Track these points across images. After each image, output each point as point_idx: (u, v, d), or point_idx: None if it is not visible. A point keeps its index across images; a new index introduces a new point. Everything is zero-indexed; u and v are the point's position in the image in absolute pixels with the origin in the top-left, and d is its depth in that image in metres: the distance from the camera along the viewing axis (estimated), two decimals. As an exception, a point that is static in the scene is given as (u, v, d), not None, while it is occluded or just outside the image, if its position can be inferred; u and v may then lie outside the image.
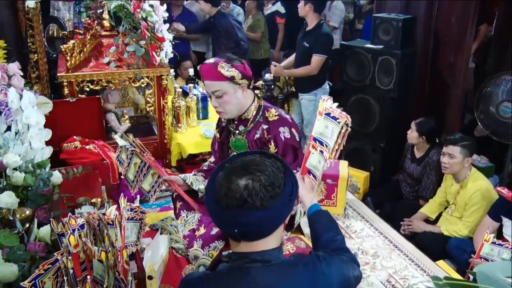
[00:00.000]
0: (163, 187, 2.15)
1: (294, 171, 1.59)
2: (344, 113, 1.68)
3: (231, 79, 1.97)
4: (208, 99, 2.14)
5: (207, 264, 1.90)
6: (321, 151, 1.64)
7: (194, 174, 2.23)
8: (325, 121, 1.67)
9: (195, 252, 1.96)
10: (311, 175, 1.64)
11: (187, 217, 2.12)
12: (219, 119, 2.28)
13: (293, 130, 2.05)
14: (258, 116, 2.08)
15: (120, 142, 2.15)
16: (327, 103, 1.70)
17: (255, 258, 1.21)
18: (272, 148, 2.04)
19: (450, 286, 0.73)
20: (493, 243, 2.16)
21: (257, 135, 2.08)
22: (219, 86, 1.98)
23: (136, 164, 2.13)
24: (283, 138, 2.02)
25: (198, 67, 2.09)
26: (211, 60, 2.02)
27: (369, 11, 6.20)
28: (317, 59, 4.09)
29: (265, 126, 2.06)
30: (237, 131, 2.13)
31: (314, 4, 4.10)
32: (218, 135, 2.28)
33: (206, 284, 1.25)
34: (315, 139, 1.66)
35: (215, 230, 1.98)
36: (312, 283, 1.23)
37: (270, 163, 1.21)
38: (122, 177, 2.22)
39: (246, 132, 2.10)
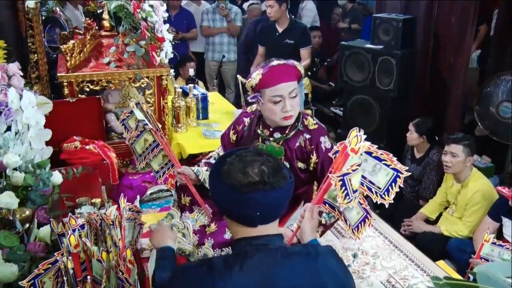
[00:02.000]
0: (172, 172, 2.08)
1: (305, 206, 1.62)
2: (390, 155, 1.51)
3: (301, 77, 1.97)
4: (271, 106, 1.91)
5: None
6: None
7: (207, 170, 2.13)
8: (367, 160, 1.51)
9: (206, 251, 1.96)
10: (327, 205, 1.59)
11: (199, 212, 2.10)
12: (239, 120, 2.17)
13: (330, 139, 2.03)
14: (298, 124, 2.01)
15: (137, 113, 2.02)
16: (360, 143, 1.48)
17: (259, 242, 1.26)
18: (314, 159, 1.98)
19: (450, 286, 0.73)
20: (493, 243, 2.16)
21: (298, 144, 2.00)
22: (295, 85, 1.93)
23: (147, 140, 2.04)
24: (324, 148, 1.97)
25: (258, 77, 1.90)
26: (279, 61, 1.93)
27: (351, 10, 6.15)
28: (307, 52, 4.39)
29: (307, 136, 1.99)
30: (271, 138, 2.03)
31: (287, 3, 4.35)
32: (233, 138, 2.17)
33: (208, 270, 1.24)
34: (342, 179, 1.48)
35: (229, 234, 1.95)
36: (315, 272, 1.26)
37: (267, 153, 1.33)
38: (126, 142, 2.12)
39: (284, 139, 2.01)
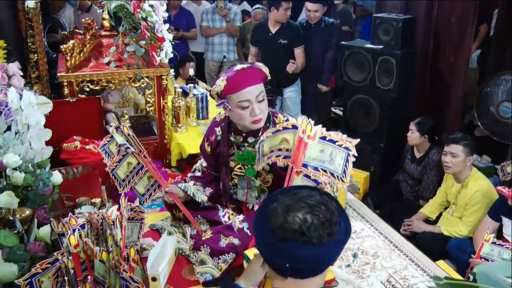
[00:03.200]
0: (159, 194, 2.06)
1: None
2: (339, 134, 1.58)
3: (266, 79, 1.95)
4: (240, 111, 1.91)
5: (215, 275, 1.89)
6: (315, 180, 1.57)
7: (194, 184, 2.14)
8: (321, 146, 1.56)
9: (203, 257, 1.96)
10: (309, 168, 1.57)
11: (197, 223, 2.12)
12: (211, 131, 2.15)
13: None
14: (269, 124, 2.00)
15: (118, 138, 1.98)
16: (315, 127, 1.55)
17: None
18: None
19: (450, 286, 0.73)
20: (493, 243, 2.16)
21: None
22: (261, 88, 1.91)
23: (130, 164, 2.00)
24: None
25: (222, 83, 1.89)
26: (243, 65, 1.92)
27: (342, 11, 6.11)
28: (302, 51, 4.46)
29: None
30: (245, 144, 2.02)
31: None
32: (208, 149, 2.15)
33: None
34: (304, 165, 1.55)
35: (224, 242, 1.97)
36: None
37: (326, 200, 1.16)
38: (106, 169, 2.04)
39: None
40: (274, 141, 1.68)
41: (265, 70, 1.96)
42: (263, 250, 1.19)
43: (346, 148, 1.56)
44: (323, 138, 1.57)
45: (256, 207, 2.06)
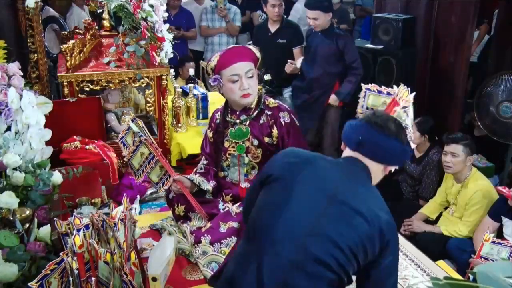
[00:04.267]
0: (170, 184, 2.18)
1: None
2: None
3: (257, 60, 2.15)
4: (230, 85, 2.12)
5: (220, 261, 1.93)
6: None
7: (199, 176, 2.27)
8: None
9: (204, 248, 1.99)
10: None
11: (196, 218, 2.18)
12: (212, 118, 2.36)
13: (292, 115, 2.19)
14: (260, 104, 2.21)
15: (133, 127, 2.16)
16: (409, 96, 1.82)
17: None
18: (275, 132, 2.16)
19: (450, 286, 0.73)
20: (493, 242, 2.16)
21: (262, 121, 2.19)
22: (250, 65, 2.12)
23: (143, 154, 2.14)
24: (283, 122, 2.16)
25: (216, 59, 2.12)
26: (236, 45, 2.27)
27: (339, 10, 6.09)
28: (300, 51, 4.42)
29: (268, 113, 2.19)
30: (238, 121, 2.21)
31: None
32: (210, 135, 2.34)
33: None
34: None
35: (224, 227, 2.03)
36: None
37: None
38: (125, 159, 2.22)
39: (250, 119, 2.19)
40: (377, 102, 1.91)
41: (256, 51, 2.15)
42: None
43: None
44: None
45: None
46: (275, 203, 1.47)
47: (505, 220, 2.81)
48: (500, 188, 2.80)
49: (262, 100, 2.22)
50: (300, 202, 1.43)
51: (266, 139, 2.19)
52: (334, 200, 1.42)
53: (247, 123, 2.20)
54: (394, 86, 1.89)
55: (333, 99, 4.19)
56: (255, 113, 2.19)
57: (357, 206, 1.42)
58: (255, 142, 2.20)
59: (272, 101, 2.23)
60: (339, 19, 5.86)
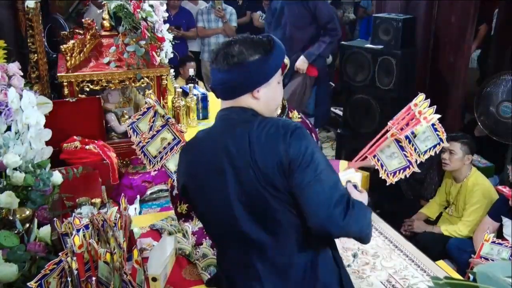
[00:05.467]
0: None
1: (351, 167, 1.73)
2: (443, 129, 1.83)
3: (285, 67, 1.99)
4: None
5: None
6: (401, 147, 1.76)
7: None
8: (427, 129, 1.80)
9: (205, 250, 1.97)
10: (375, 158, 1.76)
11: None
12: None
13: (313, 135, 2.06)
14: (283, 116, 2.06)
15: (160, 110, 1.99)
16: (433, 114, 1.78)
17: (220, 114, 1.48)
18: None
19: (450, 286, 0.73)
20: (493, 242, 2.16)
21: None
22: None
23: (164, 139, 1.97)
24: None
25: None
26: None
27: None
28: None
29: None
30: None
31: None
32: None
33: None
34: (406, 137, 1.77)
35: None
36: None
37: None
38: (134, 146, 2.05)
39: None
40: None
41: (285, 58, 2.00)
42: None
43: (441, 139, 1.83)
44: (433, 125, 1.81)
45: None
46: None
47: (505, 220, 2.81)
48: (500, 188, 2.80)
49: (286, 111, 2.08)
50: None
51: None
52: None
53: None
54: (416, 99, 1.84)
55: (301, 60, 3.82)
56: None
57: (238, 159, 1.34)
58: None
59: (296, 115, 2.09)
60: None
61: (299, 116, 2.09)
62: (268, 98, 1.42)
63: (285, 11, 3.56)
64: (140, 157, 2.06)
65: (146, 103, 2.07)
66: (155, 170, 2.12)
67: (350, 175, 1.61)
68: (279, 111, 2.02)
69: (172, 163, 2.02)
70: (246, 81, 1.38)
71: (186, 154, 1.50)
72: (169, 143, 1.99)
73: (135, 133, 2.05)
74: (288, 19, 3.55)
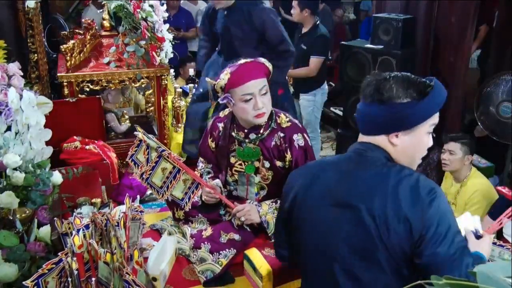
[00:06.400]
0: (199, 193, 2.01)
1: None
2: None
3: (269, 74, 1.97)
4: (243, 105, 1.92)
5: (216, 271, 1.89)
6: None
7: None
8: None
9: (203, 255, 1.95)
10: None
11: (197, 222, 2.13)
12: (213, 126, 2.16)
13: (305, 135, 2.04)
14: (271, 122, 2.03)
15: (151, 142, 1.96)
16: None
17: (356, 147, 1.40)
18: (289, 157, 2.01)
19: (450, 286, 0.73)
20: (494, 243, 2.15)
21: (274, 143, 2.02)
22: (264, 82, 1.93)
23: (165, 169, 1.95)
24: (297, 146, 2.00)
25: (226, 77, 1.91)
26: (247, 60, 1.94)
27: (323, 10, 6.00)
28: (315, 61, 4.16)
29: (281, 134, 2.01)
30: (246, 140, 2.04)
31: (310, 8, 4.15)
32: (213, 145, 2.17)
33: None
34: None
35: (224, 238, 1.98)
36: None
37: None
38: (136, 178, 2.04)
39: (259, 139, 2.02)
40: None
41: (268, 65, 1.97)
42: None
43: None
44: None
45: (255, 203, 2.06)
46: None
47: (505, 220, 2.80)
48: (500, 188, 2.80)
49: (274, 117, 2.03)
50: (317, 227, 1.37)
51: (279, 163, 2.03)
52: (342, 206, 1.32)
53: (257, 143, 2.02)
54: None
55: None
56: (266, 133, 2.01)
57: (352, 200, 1.29)
58: (267, 164, 2.04)
59: (284, 119, 2.04)
60: (321, 21, 5.84)
61: (288, 119, 2.05)
62: (406, 146, 1.33)
63: (230, 31, 3.09)
64: (148, 188, 2.05)
65: (135, 136, 2.01)
66: (166, 200, 2.11)
67: (468, 221, 1.56)
68: (266, 118, 1.99)
69: (177, 191, 1.98)
70: (384, 122, 1.30)
71: (305, 175, 1.44)
72: (170, 172, 1.96)
73: (136, 165, 2.02)
74: (232, 40, 3.10)
